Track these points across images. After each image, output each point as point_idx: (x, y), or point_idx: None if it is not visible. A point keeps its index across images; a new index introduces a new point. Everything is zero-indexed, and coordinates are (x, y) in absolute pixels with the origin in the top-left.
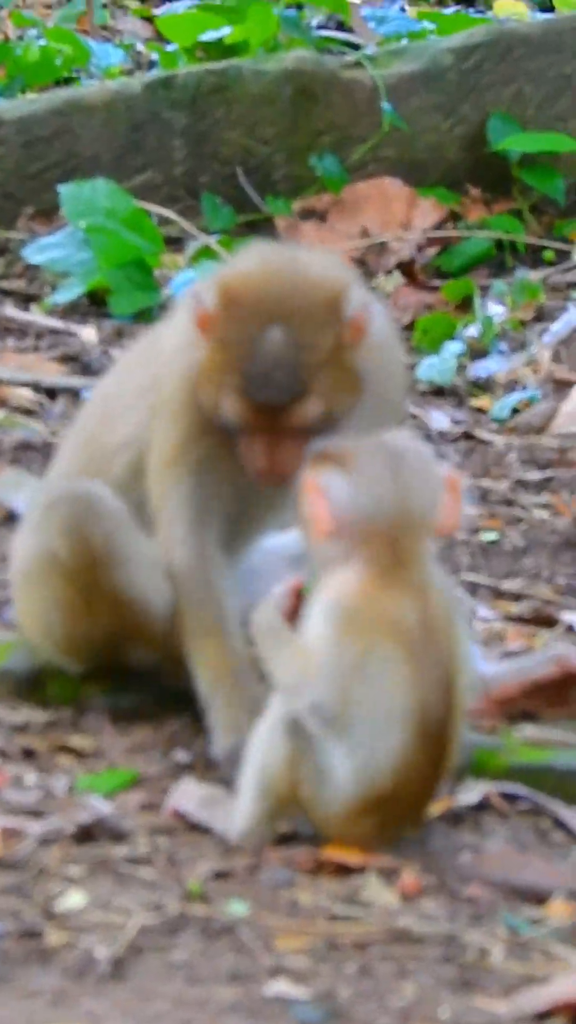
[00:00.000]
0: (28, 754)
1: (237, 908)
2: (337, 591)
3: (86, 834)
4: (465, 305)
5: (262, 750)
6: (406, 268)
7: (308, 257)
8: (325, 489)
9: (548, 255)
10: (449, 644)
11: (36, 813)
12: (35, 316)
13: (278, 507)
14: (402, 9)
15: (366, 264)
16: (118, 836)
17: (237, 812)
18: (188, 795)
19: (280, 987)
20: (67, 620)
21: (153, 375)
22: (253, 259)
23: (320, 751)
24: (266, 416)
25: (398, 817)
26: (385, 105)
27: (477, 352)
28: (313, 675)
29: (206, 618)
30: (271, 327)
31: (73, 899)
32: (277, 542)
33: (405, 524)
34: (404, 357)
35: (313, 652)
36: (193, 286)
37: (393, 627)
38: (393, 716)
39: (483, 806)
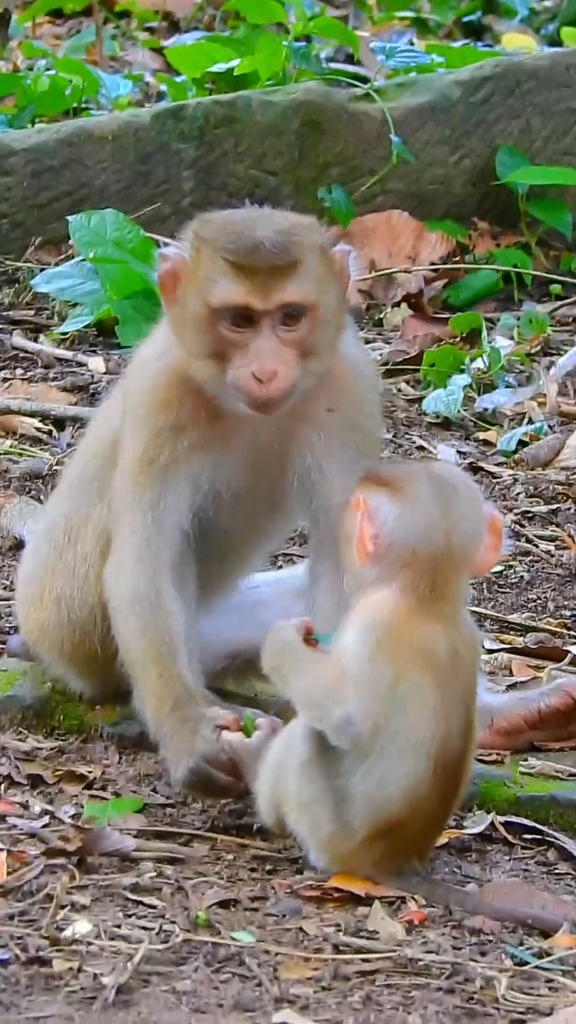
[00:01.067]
0: (35, 781)
1: (243, 937)
2: (373, 613)
3: (93, 861)
4: (472, 338)
5: (267, 775)
6: (414, 301)
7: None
8: (373, 511)
9: (555, 289)
10: (471, 680)
11: (43, 840)
12: (43, 346)
13: (258, 516)
14: (411, 42)
15: (374, 296)
16: (125, 864)
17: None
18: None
19: (286, 1016)
20: (79, 640)
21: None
22: (218, 212)
23: (339, 770)
24: (256, 286)
25: (406, 846)
26: (394, 137)
27: (484, 385)
28: (347, 689)
29: (149, 646)
30: (256, 219)
31: (80, 926)
32: (284, 575)
33: (448, 557)
34: (377, 377)
35: (347, 668)
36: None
37: (425, 656)
38: (415, 745)
39: (489, 837)
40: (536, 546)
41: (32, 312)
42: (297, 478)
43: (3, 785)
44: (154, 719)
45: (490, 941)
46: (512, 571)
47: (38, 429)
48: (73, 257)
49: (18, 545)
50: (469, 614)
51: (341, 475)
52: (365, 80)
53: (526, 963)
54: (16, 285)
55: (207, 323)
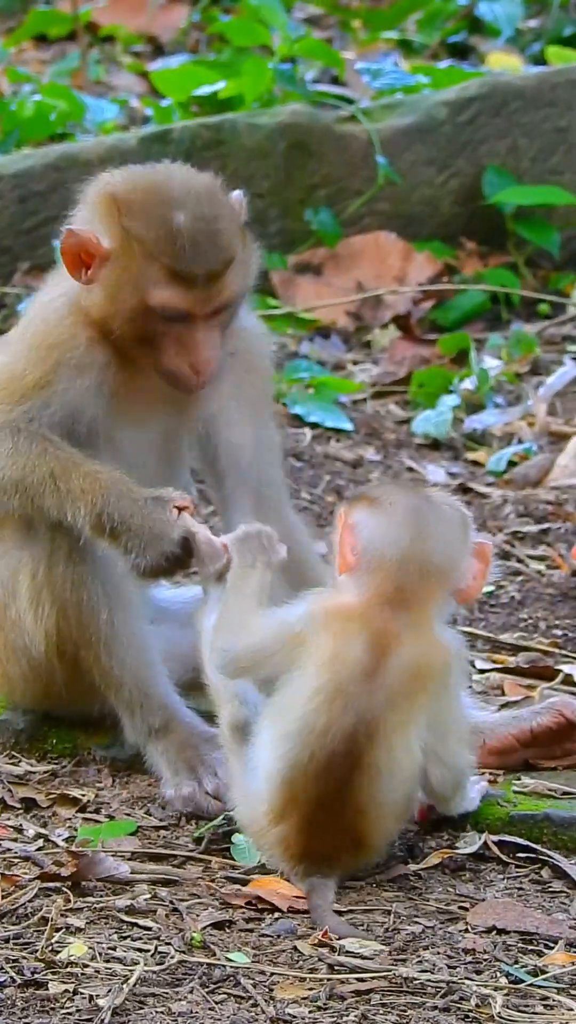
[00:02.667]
0: (29, 805)
1: (238, 958)
2: (321, 603)
3: (87, 884)
4: (461, 358)
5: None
6: (402, 322)
7: (162, 165)
8: (354, 524)
9: (543, 308)
10: (393, 691)
11: (37, 864)
12: None
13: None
14: (396, 63)
15: (361, 318)
16: (119, 886)
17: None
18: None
19: None
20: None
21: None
22: (121, 176)
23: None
24: (197, 293)
25: (303, 837)
26: (380, 159)
27: (473, 405)
28: (250, 638)
29: (51, 459)
30: (183, 208)
31: (75, 949)
32: (177, 595)
33: (416, 567)
34: (270, 338)
35: (265, 624)
36: (59, 240)
37: (335, 656)
38: (296, 731)
39: (483, 856)
40: (527, 566)
41: None
42: (202, 421)
43: None
44: (96, 515)
45: (485, 959)
46: (503, 591)
47: None
48: None
49: None
50: (451, 631)
51: (241, 414)
52: (351, 101)
53: (521, 981)
54: (3, 310)
55: (140, 316)
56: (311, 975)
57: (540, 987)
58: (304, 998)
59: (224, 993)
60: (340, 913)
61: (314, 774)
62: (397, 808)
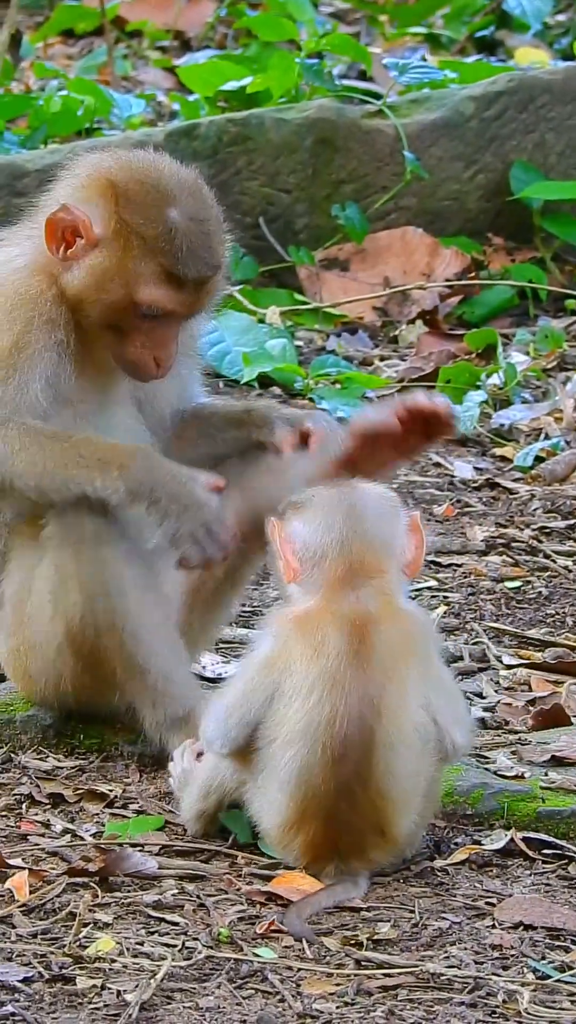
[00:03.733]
0: (56, 800)
1: (266, 953)
2: (278, 624)
3: (115, 879)
4: (488, 354)
5: (212, 760)
6: (429, 317)
7: (155, 154)
8: (288, 534)
9: (571, 304)
10: (384, 666)
11: (64, 859)
12: None
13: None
14: (423, 58)
15: (388, 313)
16: (147, 881)
17: (185, 801)
18: (176, 764)
19: None
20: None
21: None
22: (115, 161)
23: (255, 774)
24: (186, 295)
25: (331, 834)
26: (407, 154)
27: (500, 401)
28: (217, 714)
29: (66, 443)
30: (181, 206)
31: (102, 944)
32: None
33: (356, 541)
34: None
35: (225, 695)
36: (47, 213)
37: (316, 648)
38: (301, 731)
39: (509, 852)
40: (554, 561)
41: None
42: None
43: (24, 804)
44: (135, 480)
45: (512, 955)
46: (530, 587)
47: None
48: None
49: None
50: (411, 601)
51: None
52: (378, 96)
53: (548, 977)
54: None
55: (121, 308)
56: (338, 970)
57: (567, 983)
58: (331, 993)
59: (251, 988)
60: (367, 909)
61: (331, 765)
62: (418, 790)
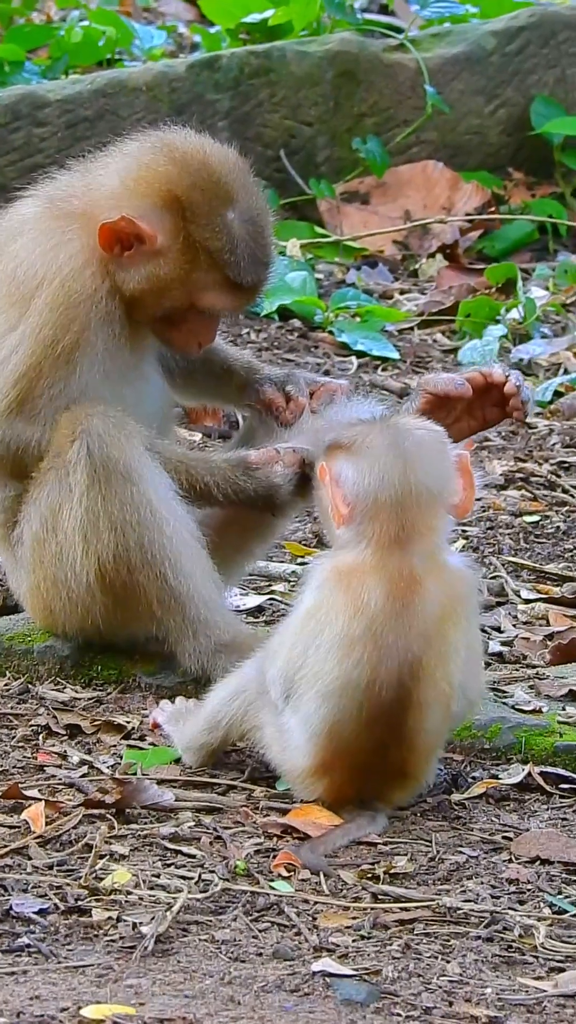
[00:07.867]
0: (73, 732)
1: (282, 886)
2: (324, 575)
3: (131, 811)
4: (507, 288)
5: (224, 696)
6: (449, 251)
7: (198, 139)
8: (337, 476)
9: None
10: (426, 628)
11: (81, 790)
12: None
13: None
14: None
15: (409, 247)
16: (163, 813)
17: (187, 731)
18: (164, 709)
19: (325, 965)
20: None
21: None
22: (176, 169)
23: (279, 717)
24: (244, 298)
25: (356, 781)
26: (428, 88)
27: (520, 335)
28: (277, 656)
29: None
30: (244, 215)
31: (118, 876)
32: None
33: (410, 498)
34: None
35: (281, 635)
36: (106, 221)
37: (358, 608)
38: (339, 688)
39: (526, 786)
40: (573, 496)
41: None
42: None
43: (41, 735)
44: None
45: (529, 890)
46: (549, 521)
47: None
48: None
49: None
50: (460, 555)
51: None
52: (399, 30)
53: (565, 911)
54: None
55: (180, 308)
56: (355, 904)
57: None
58: (348, 927)
59: (268, 921)
60: (383, 843)
61: (367, 724)
62: (442, 736)
